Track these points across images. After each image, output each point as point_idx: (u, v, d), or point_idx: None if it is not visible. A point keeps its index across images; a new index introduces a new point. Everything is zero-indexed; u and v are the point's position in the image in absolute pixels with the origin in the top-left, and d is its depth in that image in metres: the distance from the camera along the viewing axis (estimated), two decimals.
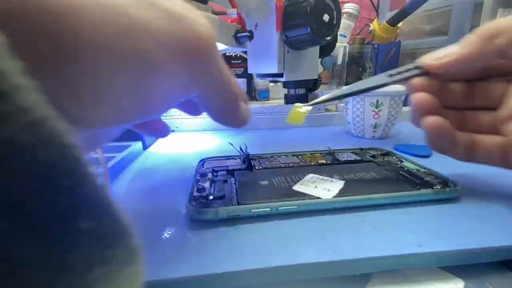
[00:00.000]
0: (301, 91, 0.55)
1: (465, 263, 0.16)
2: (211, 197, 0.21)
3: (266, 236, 0.18)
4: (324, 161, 0.29)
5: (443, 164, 0.26)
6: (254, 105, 0.56)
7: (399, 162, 0.29)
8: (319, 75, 0.56)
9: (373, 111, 0.40)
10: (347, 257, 0.16)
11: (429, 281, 0.16)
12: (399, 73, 0.23)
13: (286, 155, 0.31)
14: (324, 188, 0.22)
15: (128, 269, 0.07)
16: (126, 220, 0.07)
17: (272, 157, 0.31)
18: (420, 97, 0.22)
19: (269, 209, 0.19)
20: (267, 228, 0.19)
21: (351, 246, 0.17)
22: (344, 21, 0.83)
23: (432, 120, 0.21)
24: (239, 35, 0.41)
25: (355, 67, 0.77)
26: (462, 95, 0.23)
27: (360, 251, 0.16)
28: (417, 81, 0.22)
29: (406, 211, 0.21)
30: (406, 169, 0.27)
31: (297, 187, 0.22)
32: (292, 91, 0.56)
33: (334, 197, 0.21)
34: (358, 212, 0.20)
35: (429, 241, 0.17)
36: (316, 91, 0.58)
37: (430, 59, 0.22)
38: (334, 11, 0.44)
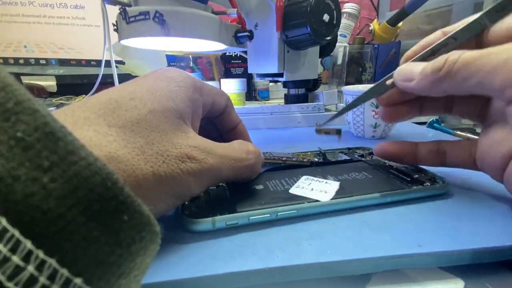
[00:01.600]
0: (301, 91, 0.55)
1: (465, 263, 0.16)
2: (204, 205, 0.20)
3: (265, 237, 0.18)
4: (316, 160, 0.29)
5: None
6: (254, 105, 0.56)
7: (387, 160, 0.29)
8: (319, 75, 0.56)
9: (373, 111, 0.40)
10: (347, 257, 0.16)
11: (429, 281, 0.16)
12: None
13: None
14: (320, 190, 0.22)
15: (152, 246, 0.11)
16: (150, 215, 0.10)
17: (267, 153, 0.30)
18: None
19: (268, 215, 0.19)
20: (266, 230, 0.19)
21: (351, 246, 0.17)
22: (344, 21, 0.83)
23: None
24: (239, 35, 0.41)
25: (355, 67, 0.77)
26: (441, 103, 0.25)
27: (360, 251, 0.16)
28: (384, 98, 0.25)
29: (403, 210, 0.21)
30: (394, 167, 0.27)
31: (293, 190, 0.22)
32: (292, 91, 0.56)
33: (331, 199, 0.21)
34: (356, 213, 0.20)
35: (429, 241, 0.17)
36: (316, 91, 0.58)
37: (399, 79, 0.23)
38: (334, 11, 0.44)
